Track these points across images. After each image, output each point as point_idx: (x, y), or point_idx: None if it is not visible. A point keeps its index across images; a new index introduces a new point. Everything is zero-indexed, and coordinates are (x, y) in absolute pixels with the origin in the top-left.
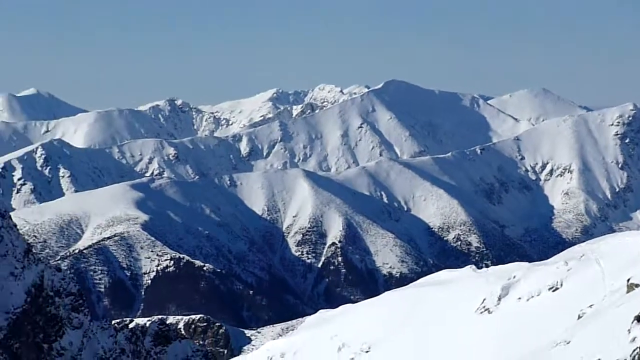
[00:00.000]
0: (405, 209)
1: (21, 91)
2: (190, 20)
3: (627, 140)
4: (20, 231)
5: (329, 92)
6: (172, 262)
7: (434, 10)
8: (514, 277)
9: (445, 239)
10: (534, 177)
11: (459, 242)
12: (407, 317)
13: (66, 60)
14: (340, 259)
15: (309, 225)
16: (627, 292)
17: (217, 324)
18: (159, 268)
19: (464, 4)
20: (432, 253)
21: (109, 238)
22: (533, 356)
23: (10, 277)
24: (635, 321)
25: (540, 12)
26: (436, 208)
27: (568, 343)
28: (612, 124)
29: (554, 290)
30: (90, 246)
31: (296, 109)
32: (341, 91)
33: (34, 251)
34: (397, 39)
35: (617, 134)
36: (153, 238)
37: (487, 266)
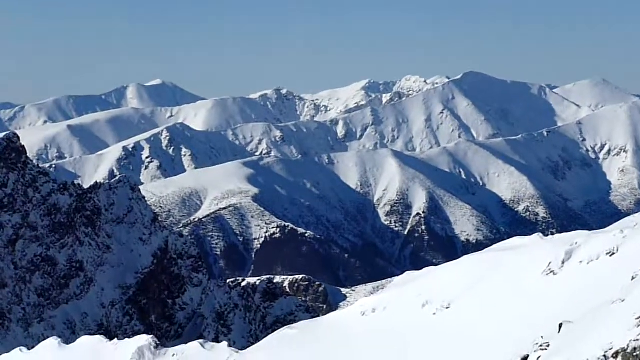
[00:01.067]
0: (481, 184)
1: (149, 81)
2: (295, 19)
3: None
4: (148, 202)
5: (414, 82)
6: (278, 229)
7: (504, 7)
8: (576, 243)
9: (515, 210)
10: (593, 157)
11: (528, 213)
12: (483, 278)
13: (187, 54)
14: (423, 227)
15: (396, 198)
16: None
17: (317, 283)
18: (267, 234)
19: (532, 4)
20: (504, 222)
21: (224, 208)
22: (593, 312)
23: (139, 242)
24: None
25: (599, 11)
26: (508, 183)
27: (623, 301)
28: None
29: (611, 255)
30: (208, 215)
31: (386, 97)
32: (425, 81)
33: (160, 220)
34: (474, 33)
35: None
36: (262, 208)
37: (552, 234)
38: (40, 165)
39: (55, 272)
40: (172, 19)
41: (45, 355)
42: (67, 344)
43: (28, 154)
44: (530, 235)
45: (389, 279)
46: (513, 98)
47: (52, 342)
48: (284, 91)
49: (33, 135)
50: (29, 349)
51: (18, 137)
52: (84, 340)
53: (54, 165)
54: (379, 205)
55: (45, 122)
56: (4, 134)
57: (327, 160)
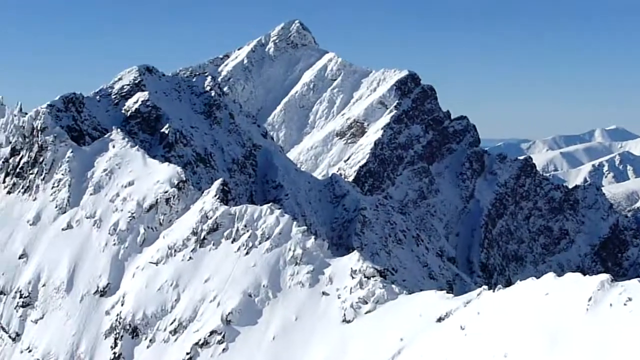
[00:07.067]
0: None
1: (608, 126)
2: None
3: None
4: (607, 197)
5: None
6: None
7: None
8: None
9: None
10: None
11: None
12: None
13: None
14: None
15: None
16: None
17: None
18: None
19: None
20: None
21: None
22: None
23: (601, 219)
24: None
25: None
26: None
27: None
28: None
29: None
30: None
31: None
32: None
33: (613, 207)
34: None
35: None
36: None
37: None
38: (544, 174)
39: (552, 235)
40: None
41: (546, 283)
42: (559, 276)
43: (537, 168)
44: None
45: None
46: None
47: (550, 276)
48: None
49: (540, 157)
50: (536, 278)
51: (531, 158)
52: (569, 274)
53: (551, 175)
54: None
55: (547, 150)
56: (523, 157)
57: None
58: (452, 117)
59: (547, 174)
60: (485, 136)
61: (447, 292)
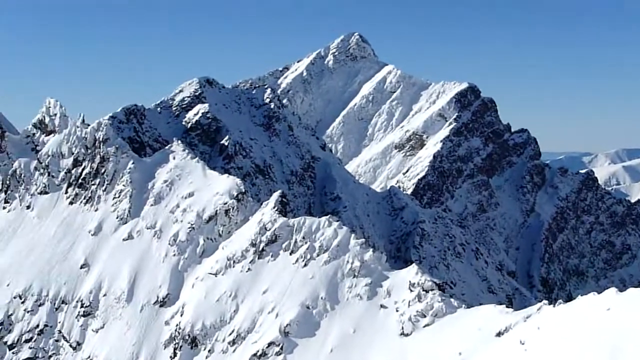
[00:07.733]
0: None
1: None
2: None
3: None
4: None
5: None
6: None
7: None
8: None
9: None
10: None
11: None
12: None
13: None
14: None
15: None
16: None
17: None
18: None
19: None
20: None
21: None
22: None
23: None
24: None
25: None
26: None
27: None
28: None
29: None
30: None
31: None
32: None
33: None
34: None
35: None
36: None
37: None
38: (606, 188)
39: (614, 250)
40: None
41: (608, 298)
42: (621, 292)
43: (599, 182)
44: None
45: None
46: None
47: (611, 291)
48: None
49: (602, 171)
50: (598, 293)
51: (593, 172)
52: (631, 290)
53: (613, 189)
54: None
55: (609, 163)
56: (585, 170)
57: None
58: (513, 129)
59: (609, 188)
60: (546, 149)
61: (507, 307)
